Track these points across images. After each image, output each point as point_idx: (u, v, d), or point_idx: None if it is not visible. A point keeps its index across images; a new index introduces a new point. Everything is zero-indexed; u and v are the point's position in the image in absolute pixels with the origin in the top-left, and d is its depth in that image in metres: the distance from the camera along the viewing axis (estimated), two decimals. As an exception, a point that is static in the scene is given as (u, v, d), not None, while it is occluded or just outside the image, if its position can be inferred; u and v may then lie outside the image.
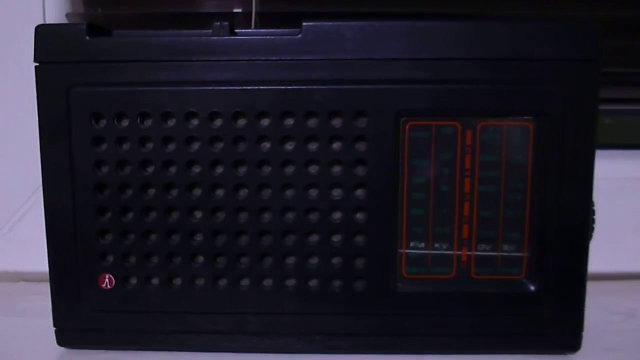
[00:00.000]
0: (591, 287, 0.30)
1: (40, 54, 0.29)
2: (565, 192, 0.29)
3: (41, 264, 0.31)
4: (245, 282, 0.30)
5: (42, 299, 0.31)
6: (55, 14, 0.44)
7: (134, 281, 0.30)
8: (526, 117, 0.29)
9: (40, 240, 0.31)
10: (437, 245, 0.30)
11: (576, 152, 0.29)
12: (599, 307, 0.33)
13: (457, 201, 0.30)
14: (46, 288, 0.30)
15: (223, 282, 0.30)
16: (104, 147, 0.29)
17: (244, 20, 0.38)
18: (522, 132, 0.29)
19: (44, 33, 0.29)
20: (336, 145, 0.29)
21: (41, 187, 0.30)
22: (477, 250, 0.30)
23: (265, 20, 0.36)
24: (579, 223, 0.29)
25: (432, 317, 0.30)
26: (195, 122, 0.29)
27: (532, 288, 0.30)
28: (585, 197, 0.29)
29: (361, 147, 0.29)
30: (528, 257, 0.30)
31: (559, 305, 0.30)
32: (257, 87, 0.29)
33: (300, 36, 0.28)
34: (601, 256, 0.33)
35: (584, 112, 0.29)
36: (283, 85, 0.29)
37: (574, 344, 0.30)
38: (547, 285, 0.30)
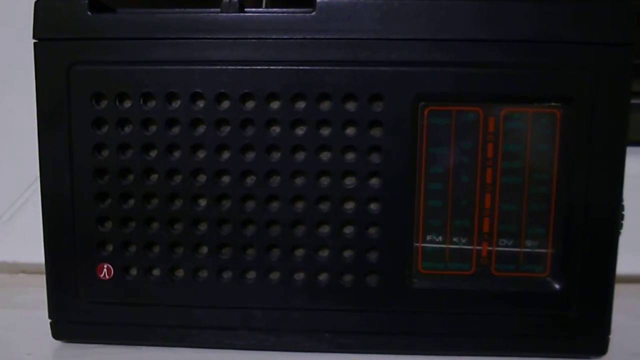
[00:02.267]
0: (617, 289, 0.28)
1: (39, 30, 0.28)
2: (593, 184, 0.27)
3: (41, 255, 0.29)
4: (251, 275, 0.28)
5: (40, 291, 0.30)
6: None
7: (133, 272, 0.29)
8: (553, 104, 0.27)
9: (40, 230, 0.29)
10: (455, 239, 0.28)
11: (606, 142, 0.27)
12: (623, 310, 0.31)
13: (477, 192, 0.28)
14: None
15: (228, 275, 0.28)
16: (105, 129, 0.28)
17: (254, 2, 0.36)
18: (549, 119, 0.27)
19: (43, 8, 0.28)
20: (350, 131, 0.27)
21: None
22: (498, 246, 0.28)
23: (276, 1, 0.34)
24: (607, 218, 0.28)
25: (449, 315, 0.28)
26: (200, 103, 0.27)
27: (557, 286, 0.28)
28: (614, 190, 0.27)
29: (376, 132, 0.27)
30: (552, 254, 0.28)
31: (585, 305, 0.28)
32: (266, 67, 0.27)
33: (313, 14, 0.27)
34: (625, 257, 0.31)
35: (614, 99, 0.27)
36: (294, 66, 0.27)
37: (600, 348, 0.29)
38: (572, 284, 0.28)
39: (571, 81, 0.27)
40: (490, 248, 0.28)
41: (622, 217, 0.28)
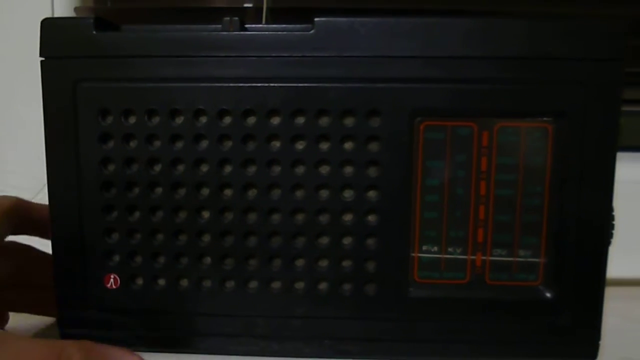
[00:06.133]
0: (606, 292, 0.29)
1: (45, 49, 0.28)
2: (584, 196, 0.28)
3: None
4: (254, 284, 0.29)
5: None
6: (64, 8, 0.43)
7: (139, 281, 0.30)
8: (545, 118, 0.28)
9: (47, 241, 0.30)
10: (450, 249, 0.29)
11: (596, 155, 0.28)
12: (615, 314, 0.32)
13: (472, 204, 0.29)
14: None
15: (230, 284, 0.29)
16: (111, 144, 0.29)
17: (255, 15, 0.37)
18: (541, 133, 0.28)
19: (49, 27, 0.28)
20: (348, 145, 0.28)
21: (46, 186, 0.29)
22: (492, 255, 0.29)
23: (276, 16, 0.35)
24: (598, 229, 0.28)
25: (444, 322, 0.29)
26: (203, 119, 0.28)
27: (548, 295, 0.29)
28: (605, 202, 0.28)
29: (374, 147, 0.28)
30: (544, 263, 0.29)
31: (576, 312, 0.29)
32: (267, 84, 0.28)
33: (312, 32, 0.28)
34: (617, 261, 0.32)
35: (605, 113, 0.28)
36: (294, 83, 0.28)
37: (590, 353, 0.29)
38: (564, 292, 0.29)
39: (563, 96, 0.28)
40: (484, 258, 0.29)
41: (612, 226, 0.29)
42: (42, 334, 0.32)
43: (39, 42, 0.28)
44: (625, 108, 0.28)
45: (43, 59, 0.28)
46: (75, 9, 0.43)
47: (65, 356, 0.24)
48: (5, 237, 0.30)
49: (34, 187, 0.42)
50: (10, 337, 0.25)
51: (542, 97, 0.28)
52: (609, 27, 0.27)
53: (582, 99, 0.28)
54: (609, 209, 0.28)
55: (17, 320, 0.33)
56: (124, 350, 0.26)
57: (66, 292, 0.30)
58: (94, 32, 0.28)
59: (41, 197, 0.39)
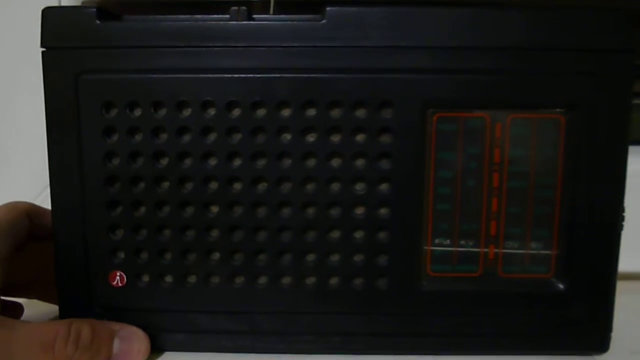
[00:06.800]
0: (617, 286, 0.29)
1: (47, 39, 0.27)
2: (596, 188, 0.28)
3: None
4: (263, 280, 0.29)
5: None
6: (72, 0, 0.42)
7: (146, 278, 0.29)
8: (557, 110, 0.28)
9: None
10: (463, 242, 0.29)
11: (608, 146, 0.28)
12: (624, 308, 0.32)
13: (484, 196, 0.28)
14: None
15: (239, 280, 0.29)
16: (115, 137, 0.28)
17: (261, 8, 0.36)
18: (553, 125, 0.28)
19: (51, 16, 0.27)
20: (360, 137, 0.28)
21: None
22: (504, 248, 0.29)
23: (283, 8, 0.34)
24: (609, 220, 0.28)
25: (457, 316, 0.29)
26: (211, 111, 0.28)
27: (561, 287, 0.29)
28: (616, 193, 0.28)
29: (386, 139, 0.28)
30: (556, 255, 0.29)
31: (588, 304, 0.29)
32: (277, 75, 0.27)
33: (323, 22, 0.27)
34: (627, 255, 0.32)
35: (616, 104, 0.28)
36: (304, 73, 0.27)
37: (602, 345, 0.29)
38: (576, 284, 0.29)
39: (575, 88, 0.28)
40: (496, 250, 0.29)
41: (622, 218, 0.29)
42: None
43: (40, 31, 0.27)
44: (636, 101, 0.28)
45: (44, 49, 0.27)
46: (83, 2, 0.42)
47: (74, 330, 0.26)
48: (22, 239, 0.30)
49: (37, 185, 0.41)
50: (18, 323, 0.27)
51: (554, 88, 0.28)
52: (620, 19, 0.27)
53: (594, 91, 0.27)
54: (621, 200, 0.28)
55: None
56: (130, 326, 0.28)
57: (69, 290, 0.29)
58: (97, 22, 0.27)
59: (43, 198, 0.38)
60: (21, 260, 0.30)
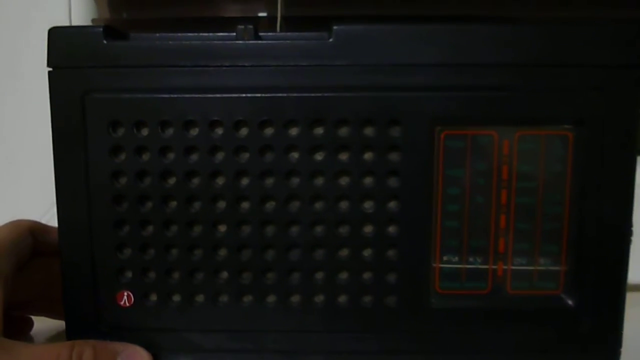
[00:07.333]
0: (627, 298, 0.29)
1: (53, 58, 0.27)
2: (604, 204, 0.28)
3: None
4: (272, 299, 0.29)
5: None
6: (81, 19, 0.42)
7: (153, 298, 0.29)
8: (565, 126, 0.28)
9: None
10: (471, 259, 0.29)
11: (617, 162, 0.28)
12: (633, 320, 0.31)
13: (492, 213, 0.28)
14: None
15: (248, 299, 0.29)
16: (122, 156, 0.28)
17: (268, 25, 0.36)
18: (561, 141, 0.28)
19: (57, 36, 0.27)
20: (368, 155, 0.28)
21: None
22: (513, 264, 0.29)
23: (291, 24, 0.34)
24: (618, 236, 0.28)
25: (466, 333, 0.29)
26: (219, 130, 0.27)
27: (570, 302, 0.29)
28: (625, 209, 0.28)
29: (394, 156, 0.28)
30: (565, 271, 0.29)
31: (597, 320, 0.29)
32: (284, 94, 0.27)
33: (330, 40, 0.27)
34: (635, 267, 0.31)
35: (625, 120, 0.28)
36: (312, 92, 0.27)
37: (612, 360, 0.29)
38: (585, 299, 0.29)
39: (583, 104, 0.28)
40: (505, 267, 0.29)
41: (631, 233, 0.29)
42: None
43: (47, 51, 0.27)
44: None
45: (51, 69, 0.27)
46: (93, 21, 0.42)
47: (76, 353, 0.26)
48: (25, 257, 0.30)
49: (43, 205, 0.40)
50: (20, 345, 0.27)
51: (562, 105, 0.28)
52: (628, 33, 0.27)
53: (602, 106, 0.27)
54: (630, 216, 0.28)
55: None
56: (134, 346, 0.28)
57: (76, 310, 0.29)
58: (104, 41, 0.27)
59: (49, 217, 0.38)
60: (26, 278, 0.30)
